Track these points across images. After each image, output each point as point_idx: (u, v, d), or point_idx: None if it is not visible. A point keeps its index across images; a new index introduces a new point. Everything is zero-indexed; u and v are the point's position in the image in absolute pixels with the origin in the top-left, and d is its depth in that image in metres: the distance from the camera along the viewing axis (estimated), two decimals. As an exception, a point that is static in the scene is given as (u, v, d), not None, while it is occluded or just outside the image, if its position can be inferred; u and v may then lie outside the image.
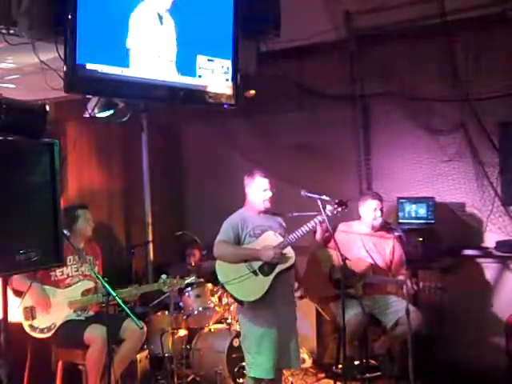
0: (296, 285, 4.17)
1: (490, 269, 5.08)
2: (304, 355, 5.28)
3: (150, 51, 3.50)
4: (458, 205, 5.18)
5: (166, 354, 4.78)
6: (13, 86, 4.26)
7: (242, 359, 4.33)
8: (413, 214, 5.11)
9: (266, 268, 3.95)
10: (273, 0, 4.05)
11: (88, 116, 4.43)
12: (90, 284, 4.27)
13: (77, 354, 4.16)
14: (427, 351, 4.87)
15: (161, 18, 3.53)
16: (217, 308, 5.08)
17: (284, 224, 4.18)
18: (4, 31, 3.02)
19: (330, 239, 4.39)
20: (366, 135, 5.62)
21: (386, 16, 4.89)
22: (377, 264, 4.54)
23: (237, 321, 4.56)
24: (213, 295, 5.11)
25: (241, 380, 4.65)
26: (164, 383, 4.84)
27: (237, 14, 3.84)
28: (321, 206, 3.95)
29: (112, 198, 6.15)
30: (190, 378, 4.94)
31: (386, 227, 4.58)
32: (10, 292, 3.71)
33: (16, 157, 2.68)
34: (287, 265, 3.98)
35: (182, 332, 4.99)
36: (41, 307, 4.10)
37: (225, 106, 3.98)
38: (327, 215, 3.98)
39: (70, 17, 3.05)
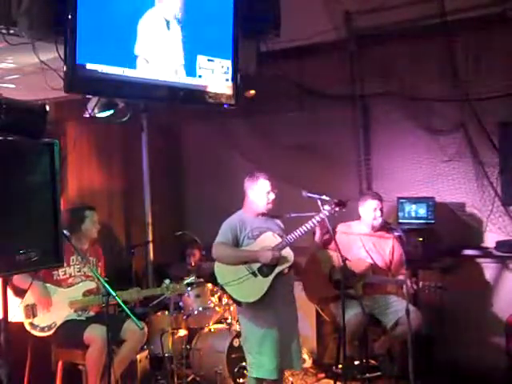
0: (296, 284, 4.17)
1: (489, 269, 5.08)
2: (304, 355, 5.27)
3: (159, 56, 3.52)
4: (457, 205, 5.18)
5: (166, 354, 4.78)
6: (13, 85, 4.26)
7: (242, 359, 4.34)
8: (413, 214, 5.11)
9: (265, 269, 3.95)
10: (273, 0, 4.05)
11: (88, 116, 4.43)
12: (92, 285, 4.27)
13: (77, 354, 4.16)
14: (427, 351, 4.87)
15: (168, 23, 3.54)
16: (217, 308, 5.08)
17: (282, 226, 4.17)
18: (4, 31, 3.02)
19: (329, 241, 4.39)
20: (366, 135, 5.62)
21: (386, 16, 4.89)
22: (376, 264, 4.54)
23: (237, 321, 4.56)
24: (213, 295, 5.11)
25: (241, 380, 4.65)
26: (164, 383, 4.84)
27: (237, 14, 3.84)
28: (321, 206, 3.95)
29: (112, 197, 6.15)
30: (189, 378, 4.94)
31: (385, 227, 4.58)
32: (10, 292, 3.71)
33: (16, 157, 2.68)
34: (286, 265, 3.98)
35: (182, 332, 4.99)
36: (42, 305, 4.11)
37: (225, 106, 3.98)
38: (325, 215, 3.96)
39: (70, 17, 3.05)
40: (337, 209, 4.01)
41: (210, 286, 5.11)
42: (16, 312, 3.93)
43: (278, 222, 4.18)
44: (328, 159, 5.58)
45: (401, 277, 4.47)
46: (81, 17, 3.08)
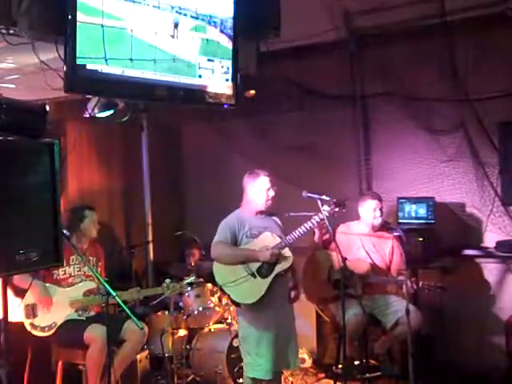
0: (290, 284, 4.15)
1: (489, 269, 5.08)
2: (304, 355, 5.28)
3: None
4: (457, 205, 5.19)
5: (166, 354, 4.79)
6: (13, 86, 4.26)
7: (242, 359, 4.33)
8: (413, 214, 5.12)
9: (264, 270, 3.93)
10: (273, 0, 4.05)
11: (88, 116, 4.44)
12: (92, 284, 4.27)
13: (77, 354, 4.17)
14: (427, 351, 4.87)
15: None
16: (217, 308, 5.08)
17: (280, 223, 4.16)
18: (4, 31, 3.02)
19: (329, 241, 4.38)
20: (366, 135, 5.63)
21: (386, 16, 4.89)
22: (376, 264, 4.54)
23: (237, 321, 4.55)
24: (213, 295, 5.11)
25: (241, 380, 4.64)
26: (164, 383, 4.85)
27: (237, 14, 3.83)
28: (320, 207, 3.94)
29: (112, 197, 6.16)
30: (189, 378, 4.94)
31: (385, 227, 4.58)
32: (10, 292, 3.71)
33: (16, 157, 2.68)
34: (285, 266, 3.97)
35: (182, 332, 4.99)
36: (42, 305, 4.11)
37: (225, 106, 3.97)
38: (325, 216, 3.94)
39: (70, 17, 3.04)
40: (336, 209, 4.00)
41: (209, 285, 5.11)
42: (16, 312, 3.93)
43: (276, 219, 4.17)
44: (328, 159, 5.58)
45: (401, 277, 4.46)
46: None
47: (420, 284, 4.25)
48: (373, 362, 4.77)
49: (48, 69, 3.24)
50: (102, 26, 3.16)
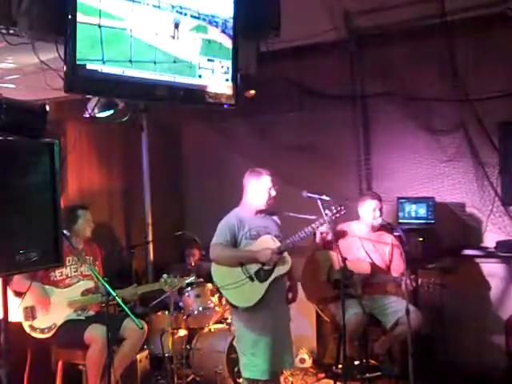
0: (287, 284, 4.14)
1: (489, 269, 5.08)
2: (304, 355, 5.29)
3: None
4: (457, 205, 5.19)
5: (166, 354, 4.79)
6: (13, 86, 4.26)
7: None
8: (413, 214, 5.12)
9: (263, 273, 3.91)
10: (273, 0, 4.05)
11: (88, 116, 4.43)
12: (90, 284, 4.27)
13: (77, 354, 4.16)
14: (427, 351, 4.87)
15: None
16: (217, 308, 5.08)
17: (279, 222, 4.14)
18: (4, 31, 3.02)
19: (330, 242, 4.38)
20: (366, 135, 5.63)
21: (386, 16, 4.89)
22: (376, 264, 4.54)
23: (232, 321, 4.55)
24: (213, 295, 5.11)
25: (240, 380, 4.62)
26: (164, 383, 4.85)
27: (237, 14, 3.83)
28: (321, 207, 3.92)
29: (112, 197, 6.16)
30: (189, 378, 4.95)
31: (385, 227, 4.58)
32: (10, 292, 3.71)
33: (16, 157, 2.68)
34: (284, 271, 3.95)
35: (182, 332, 4.99)
36: (40, 305, 4.10)
37: (225, 106, 3.96)
38: (326, 221, 3.91)
39: (70, 17, 3.04)
40: (337, 215, 3.99)
41: (209, 285, 5.11)
42: (16, 312, 3.93)
43: (276, 218, 4.15)
44: (328, 159, 5.58)
45: (400, 276, 4.46)
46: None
47: (419, 282, 4.24)
48: (373, 362, 4.77)
49: (48, 69, 3.24)
50: (100, 26, 3.15)
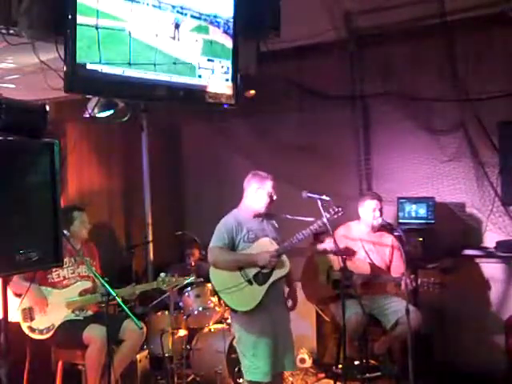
0: (287, 291, 4.12)
1: (489, 269, 5.08)
2: (304, 355, 5.29)
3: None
4: (457, 205, 5.19)
5: (166, 354, 4.79)
6: (13, 86, 4.26)
7: (242, 359, 4.32)
8: (413, 214, 5.12)
9: (261, 277, 3.88)
10: (273, 0, 4.05)
11: (88, 116, 4.43)
12: (88, 284, 4.27)
13: (76, 354, 4.16)
14: (427, 351, 4.87)
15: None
16: (217, 308, 5.08)
17: (277, 226, 4.11)
18: (4, 31, 3.02)
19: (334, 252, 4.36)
20: (366, 135, 5.63)
21: (386, 16, 4.89)
22: (376, 264, 4.54)
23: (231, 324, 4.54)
24: (213, 295, 5.10)
25: (240, 380, 4.64)
26: (164, 383, 4.85)
27: (237, 14, 3.83)
28: (320, 207, 3.91)
29: (112, 197, 6.16)
30: (189, 378, 4.95)
31: (385, 227, 4.58)
32: (9, 292, 3.71)
33: (16, 157, 2.68)
34: (282, 274, 3.92)
35: (182, 332, 4.99)
36: (38, 306, 4.10)
37: (225, 106, 3.96)
38: (324, 223, 3.88)
39: (69, 17, 3.04)
40: (335, 216, 3.97)
41: (209, 285, 5.09)
42: (15, 312, 3.93)
43: (273, 222, 4.11)
44: (328, 159, 5.58)
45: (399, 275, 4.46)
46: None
47: (419, 282, 4.24)
48: (373, 362, 4.76)
49: (48, 69, 3.24)
50: (97, 27, 3.13)
